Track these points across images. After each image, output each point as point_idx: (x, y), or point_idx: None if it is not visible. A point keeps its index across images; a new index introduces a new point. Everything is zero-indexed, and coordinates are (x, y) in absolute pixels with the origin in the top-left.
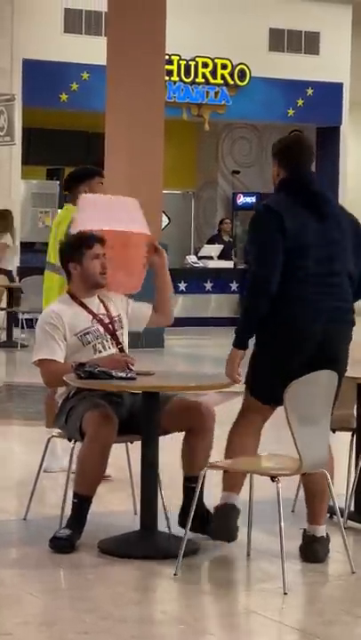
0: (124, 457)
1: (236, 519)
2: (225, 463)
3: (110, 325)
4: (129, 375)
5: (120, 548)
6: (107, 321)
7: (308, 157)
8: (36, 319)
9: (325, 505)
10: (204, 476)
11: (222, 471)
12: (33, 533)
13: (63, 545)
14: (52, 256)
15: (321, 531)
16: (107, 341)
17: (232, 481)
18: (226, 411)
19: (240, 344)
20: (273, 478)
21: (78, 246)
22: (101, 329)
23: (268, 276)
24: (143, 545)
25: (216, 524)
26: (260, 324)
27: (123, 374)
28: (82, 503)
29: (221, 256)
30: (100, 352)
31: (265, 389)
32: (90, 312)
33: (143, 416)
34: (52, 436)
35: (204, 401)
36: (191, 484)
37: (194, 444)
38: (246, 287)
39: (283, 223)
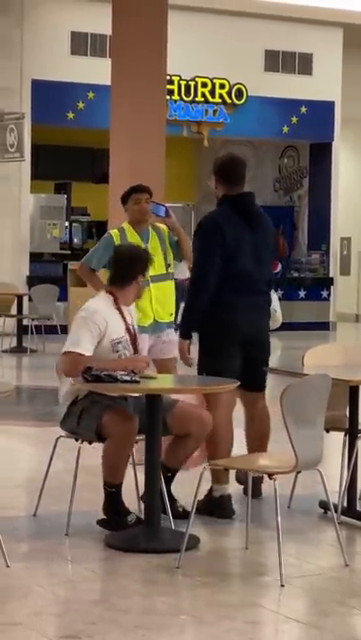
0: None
1: (231, 502)
2: (224, 461)
3: (133, 335)
4: (133, 379)
5: (125, 543)
6: (132, 331)
7: (242, 175)
8: (45, 326)
9: None
10: (201, 474)
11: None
12: (42, 529)
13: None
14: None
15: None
16: (129, 351)
17: (221, 476)
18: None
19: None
20: (270, 476)
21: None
22: (129, 338)
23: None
24: (147, 540)
25: (220, 511)
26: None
27: (127, 377)
28: (117, 489)
29: None
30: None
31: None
32: (124, 321)
33: (147, 417)
34: (61, 437)
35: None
36: (167, 473)
37: (184, 442)
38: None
39: (224, 233)
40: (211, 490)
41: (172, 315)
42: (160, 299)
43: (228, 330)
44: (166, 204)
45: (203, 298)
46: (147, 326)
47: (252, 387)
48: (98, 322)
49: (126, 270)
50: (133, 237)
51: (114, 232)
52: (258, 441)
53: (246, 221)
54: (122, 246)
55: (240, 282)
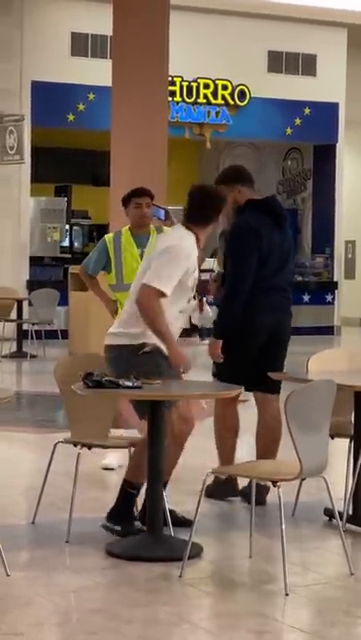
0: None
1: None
2: (228, 469)
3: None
4: (135, 384)
5: (127, 551)
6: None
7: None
8: (45, 331)
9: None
10: (204, 482)
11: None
12: (42, 537)
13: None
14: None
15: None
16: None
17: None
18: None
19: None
20: (274, 483)
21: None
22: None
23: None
24: (149, 548)
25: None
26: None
27: (129, 383)
28: (137, 491)
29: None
30: (189, 301)
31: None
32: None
33: (150, 424)
34: (59, 442)
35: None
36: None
37: (167, 451)
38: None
39: (261, 236)
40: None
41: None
42: None
43: (256, 330)
44: (168, 207)
45: (240, 300)
46: None
47: (267, 388)
48: (187, 261)
49: (210, 210)
50: (128, 242)
51: (108, 236)
52: (266, 446)
53: (276, 223)
54: (202, 186)
55: (270, 283)
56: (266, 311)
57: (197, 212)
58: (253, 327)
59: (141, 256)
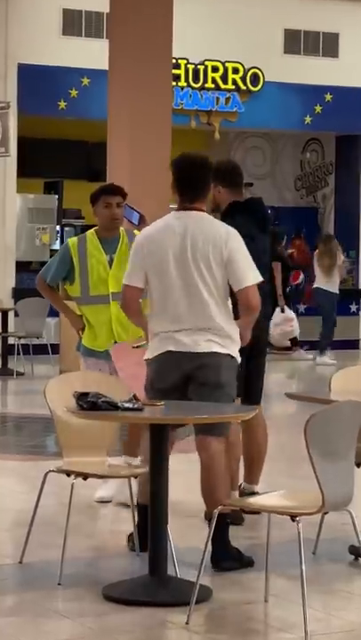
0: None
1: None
2: (240, 502)
3: None
4: (136, 406)
5: (126, 594)
6: None
7: (243, 179)
8: (33, 346)
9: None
10: (215, 516)
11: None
12: (30, 578)
13: None
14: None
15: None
16: None
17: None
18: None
19: None
20: (293, 518)
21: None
22: None
23: None
24: (151, 591)
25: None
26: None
27: (129, 405)
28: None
29: None
30: None
31: None
32: None
33: (151, 450)
34: (50, 471)
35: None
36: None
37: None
38: None
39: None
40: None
41: (141, 338)
42: (122, 320)
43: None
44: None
45: None
46: (102, 351)
47: (253, 400)
48: None
49: (204, 181)
50: (95, 247)
51: (71, 240)
52: (253, 451)
53: (259, 227)
54: (188, 157)
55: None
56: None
57: (202, 188)
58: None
59: (110, 263)
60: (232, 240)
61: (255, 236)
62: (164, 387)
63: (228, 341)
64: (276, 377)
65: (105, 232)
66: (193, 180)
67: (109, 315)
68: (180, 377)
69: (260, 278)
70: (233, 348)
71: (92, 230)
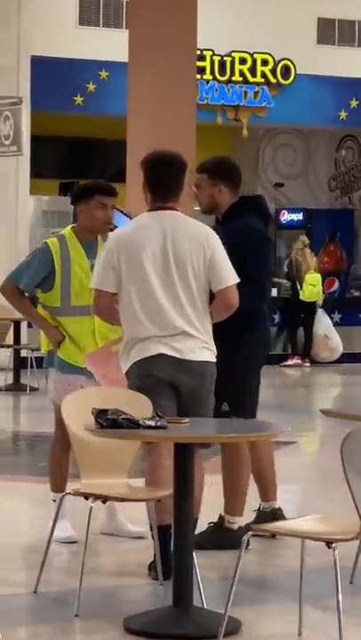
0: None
1: None
2: (271, 527)
3: None
4: (159, 424)
5: (149, 626)
6: None
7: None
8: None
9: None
10: (244, 542)
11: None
12: (45, 609)
13: None
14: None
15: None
16: None
17: (240, 508)
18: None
19: None
20: (329, 544)
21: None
22: None
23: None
24: (176, 622)
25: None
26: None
27: (151, 423)
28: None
29: None
30: None
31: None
32: None
33: (176, 470)
34: (67, 494)
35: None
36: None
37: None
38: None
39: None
40: (222, 521)
41: (118, 339)
42: (105, 333)
43: (265, 351)
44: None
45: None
46: (84, 367)
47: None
48: None
49: (178, 180)
50: (76, 251)
51: (51, 241)
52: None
53: (266, 227)
54: (153, 157)
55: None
56: (269, 328)
57: (177, 187)
58: (268, 347)
59: (92, 269)
60: (212, 238)
61: (267, 236)
62: (152, 390)
63: (213, 346)
64: (302, 391)
65: (89, 235)
66: (167, 179)
67: (92, 326)
68: (170, 382)
69: (237, 278)
70: (215, 352)
71: (69, 230)
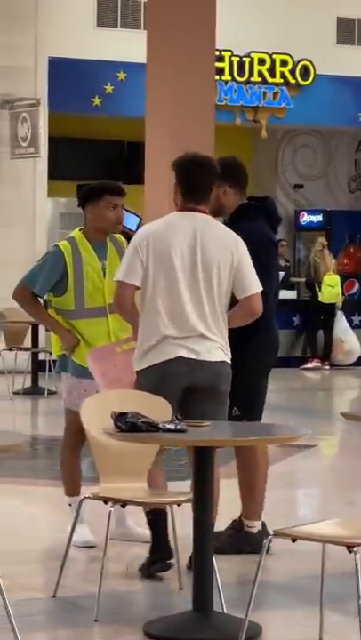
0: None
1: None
2: (291, 531)
3: None
4: (178, 427)
5: (169, 632)
6: None
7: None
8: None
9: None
10: (264, 547)
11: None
12: (64, 614)
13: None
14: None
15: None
16: None
17: (258, 511)
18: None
19: None
20: (350, 548)
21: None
22: None
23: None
24: (196, 628)
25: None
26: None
27: (171, 426)
28: None
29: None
30: None
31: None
32: None
33: (195, 474)
34: (86, 498)
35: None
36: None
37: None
38: None
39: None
40: (241, 525)
41: (126, 338)
42: (117, 333)
43: (274, 354)
44: (140, 214)
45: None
46: None
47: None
48: None
49: (210, 183)
50: (88, 253)
51: (63, 244)
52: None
53: (273, 231)
54: (187, 159)
55: (274, 301)
56: (276, 334)
57: (209, 190)
58: (275, 350)
59: (104, 272)
60: (241, 245)
61: (273, 240)
62: (167, 394)
63: (228, 349)
64: (322, 394)
65: (99, 236)
66: (200, 181)
67: (107, 328)
68: (187, 385)
69: (260, 287)
70: (230, 356)
71: (78, 232)
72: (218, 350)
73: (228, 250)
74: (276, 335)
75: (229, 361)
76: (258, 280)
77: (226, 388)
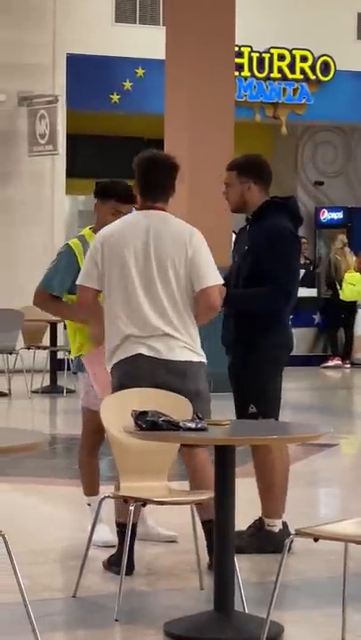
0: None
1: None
2: (313, 530)
3: None
4: (199, 426)
5: (190, 632)
6: None
7: None
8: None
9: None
10: (286, 546)
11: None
12: (85, 613)
13: None
14: None
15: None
16: None
17: (280, 508)
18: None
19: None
20: None
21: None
22: None
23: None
24: (217, 627)
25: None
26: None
27: (191, 425)
28: None
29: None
30: None
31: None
32: None
33: (217, 473)
34: (106, 497)
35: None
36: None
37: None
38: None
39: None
40: (262, 524)
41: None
42: None
43: (287, 350)
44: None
45: (287, 313)
46: None
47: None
48: None
49: (170, 181)
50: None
51: (74, 242)
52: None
53: (296, 229)
54: (146, 158)
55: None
56: (291, 331)
57: (169, 188)
58: (289, 348)
59: None
60: (196, 238)
61: (296, 235)
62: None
63: (197, 347)
64: (343, 393)
65: None
66: (158, 180)
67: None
68: (152, 384)
69: (221, 280)
70: (202, 354)
71: (88, 230)
72: (183, 349)
73: (181, 244)
74: (288, 333)
75: (199, 359)
76: (217, 273)
77: (196, 388)
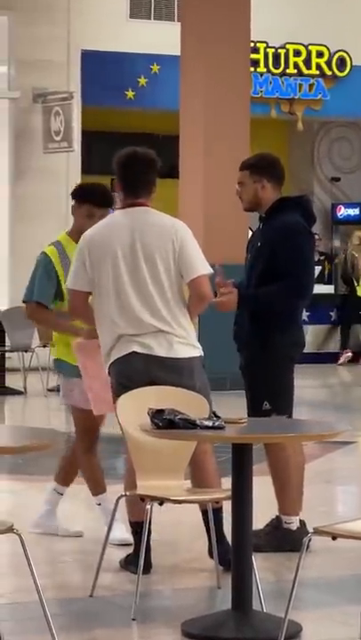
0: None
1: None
2: (331, 528)
3: None
4: (216, 424)
5: (207, 631)
6: None
7: None
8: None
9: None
10: (304, 545)
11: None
12: (102, 613)
13: None
14: None
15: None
16: None
17: (297, 505)
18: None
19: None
20: None
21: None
22: None
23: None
24: (235, 627)
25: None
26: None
27: (208, 423)
28: None
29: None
30: None
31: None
32: None
33: (234, 472)
34: (122, 496)
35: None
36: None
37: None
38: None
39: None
40: (279, 522)
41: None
42: None
43: (299, 347)
44: None
45: (302, 307)
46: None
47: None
48: None
49: (150, 176)
50: (74, 253)
51: (49, 249)
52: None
53: (309, 227)
54: (125, 155)
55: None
56: (301, 328)
57: (149, 184)
58: (301, 345)
59: None
60: (181, 231)
61: (310, 231)
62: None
63: (192, 340)
64: (359, 390)
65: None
66: (138, 175)
67: None
68: (147, 382)
69: (210, 269)
70: (198, 346)
71: (64, 236)
72: (179, 345)
73: (167, 238)
74: (300, 331)
75: (195, 354)
76: (205, 263)
77: (193, 384)
